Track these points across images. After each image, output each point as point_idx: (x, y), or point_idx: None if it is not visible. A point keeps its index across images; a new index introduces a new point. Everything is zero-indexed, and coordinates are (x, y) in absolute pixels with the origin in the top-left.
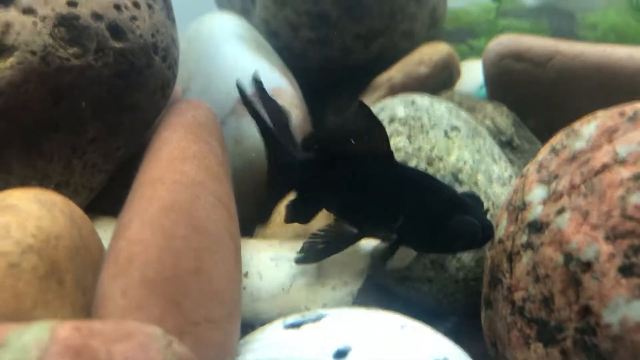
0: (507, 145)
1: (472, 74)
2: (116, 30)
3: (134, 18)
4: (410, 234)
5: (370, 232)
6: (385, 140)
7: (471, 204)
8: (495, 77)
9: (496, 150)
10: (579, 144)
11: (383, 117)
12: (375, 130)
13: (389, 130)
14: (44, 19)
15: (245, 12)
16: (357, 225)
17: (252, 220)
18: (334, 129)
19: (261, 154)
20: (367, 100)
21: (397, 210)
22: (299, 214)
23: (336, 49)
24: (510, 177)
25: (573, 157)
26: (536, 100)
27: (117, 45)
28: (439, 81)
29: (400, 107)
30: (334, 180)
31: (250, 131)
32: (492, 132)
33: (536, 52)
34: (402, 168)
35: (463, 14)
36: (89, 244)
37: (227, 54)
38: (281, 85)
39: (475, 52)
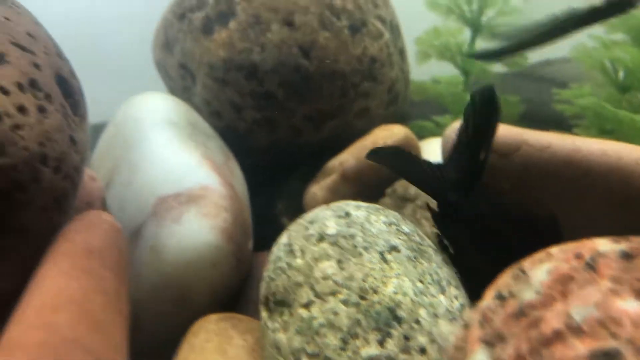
0: None
1: (438, 153)
2: None
3: (17, 127)
4: None
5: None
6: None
7: None
8: None
9: (444, 272)
10: (528, 295)
11: (312, 233)
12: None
13: (316, 252)
14: None
15: (186, 89)
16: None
17: (171, 343)
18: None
19: (179, 268)
20: (319, 185)
21: None
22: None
23: (284, 130)
24: (462, 306)
25: (521, 313)
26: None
27: None
28: None
29: (331, 221)
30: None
31: (170, 240)
32: None
33: (500, 142)
34: None
35: (429, 86)
36: None
37: (153, 144)
38: (208, 184)
39: (442, 129)
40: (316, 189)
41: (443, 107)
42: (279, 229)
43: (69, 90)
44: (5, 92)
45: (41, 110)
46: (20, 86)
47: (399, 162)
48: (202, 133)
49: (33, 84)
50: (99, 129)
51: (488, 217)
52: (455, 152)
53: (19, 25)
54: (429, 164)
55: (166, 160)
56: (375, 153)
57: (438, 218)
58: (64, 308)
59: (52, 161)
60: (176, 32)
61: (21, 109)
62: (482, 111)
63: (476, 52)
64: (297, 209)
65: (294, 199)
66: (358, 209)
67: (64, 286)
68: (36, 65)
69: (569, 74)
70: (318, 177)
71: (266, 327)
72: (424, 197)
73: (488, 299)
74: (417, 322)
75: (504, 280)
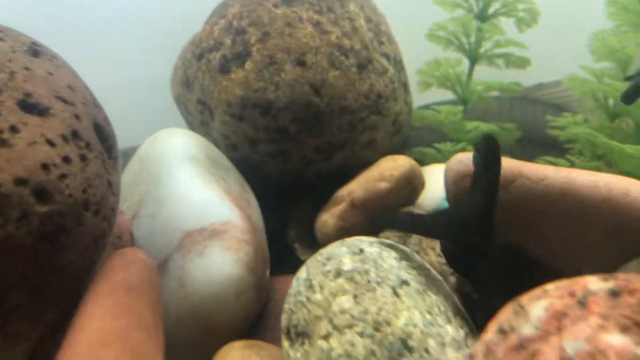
0: None
1: (440, 180)
2: (42, 193)
3: (63, 176)
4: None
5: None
6: None
7: None
8: (457, 196)
9: (450, 303)
10: (527, 330)
11: (330, 269)
12: None
13: (333, 287)
14: None
15: (204, 124)
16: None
17: None
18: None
19: (205, 299)
20: (330, 213)
21: None
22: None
23: (295, 161)
24: (467, 335)
25: (521, 346)
26: (500, 224)
27: (43, 209)
28: (402, 196)
29: (346, 257)
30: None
31: (196, 273)
32: None
33: None
34: None
35: (429, 114)
36: None
37: (178, 181)
38: (230, 219)
39: (443, 155)
40: (327, 216)
41: (442, 134)
42: (290, 254)
43: (104, 136)
44: (52, 144)
45: (83, 159)
46: (64, 138)
47: (412, 222)
48: (221, 166)
49: (75, 135)
50: None
51: (505, 255)
52: (469, 196)
53: (60, 79)
54: (442, 213)
55: (191, 196)
56: (385, 219)
57: (459, 262)
58: (111, 345)
59: (93, 205)
60: (195, 71)
61: (66, 159)
62: (487, 160)
63: (622, 94)
64: (308, 235)
65: (305, 225)
66: (371, 246)
67: (109, 325)
68: (77, 117)
69: (561, 96)
70: (328, 205)
71: (288, 355)
72: None
73: (491, 332)
74: (427, 350)
75: (505, 315)
